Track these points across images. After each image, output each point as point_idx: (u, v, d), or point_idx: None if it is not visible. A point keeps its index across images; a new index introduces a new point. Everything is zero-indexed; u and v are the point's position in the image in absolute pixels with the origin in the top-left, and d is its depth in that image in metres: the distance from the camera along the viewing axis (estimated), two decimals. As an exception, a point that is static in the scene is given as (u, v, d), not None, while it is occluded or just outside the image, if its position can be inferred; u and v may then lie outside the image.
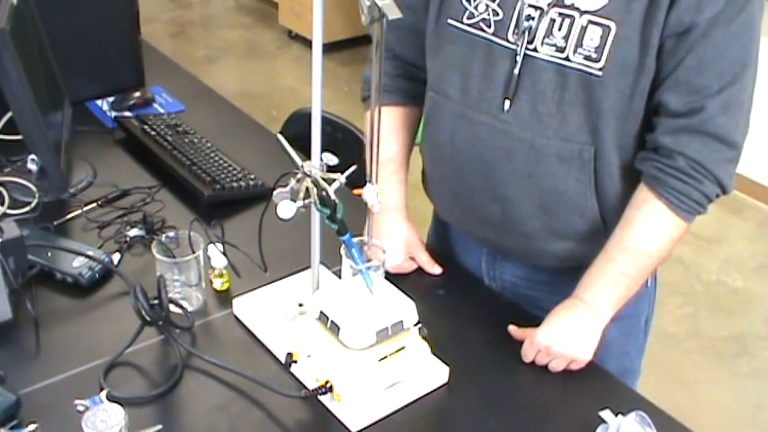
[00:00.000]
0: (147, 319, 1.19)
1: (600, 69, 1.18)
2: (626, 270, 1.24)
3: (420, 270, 1.44)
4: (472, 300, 1.41)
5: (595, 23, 1.17)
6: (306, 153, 1.13)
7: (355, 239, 1.16)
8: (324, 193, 1.09)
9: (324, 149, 1.13)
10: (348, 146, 2.02)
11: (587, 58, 1.19)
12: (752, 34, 1.17)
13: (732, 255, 3.42)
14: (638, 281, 1.26)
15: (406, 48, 1.43)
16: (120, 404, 1.03)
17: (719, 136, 1.19)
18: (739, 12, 1.14)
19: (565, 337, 1.23)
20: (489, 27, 1.27)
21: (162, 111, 1.98)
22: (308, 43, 5.04)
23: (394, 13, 0.98)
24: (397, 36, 1.42)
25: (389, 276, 1.25)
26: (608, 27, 1.17)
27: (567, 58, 1.20)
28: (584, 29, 1.18)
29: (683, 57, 1.16)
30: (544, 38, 1.22)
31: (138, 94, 1.99)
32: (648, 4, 1.15)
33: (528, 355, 1.25)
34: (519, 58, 1.24)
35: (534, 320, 1.34)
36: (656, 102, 1.21)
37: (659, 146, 1.22)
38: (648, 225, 1.24)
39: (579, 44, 1.19)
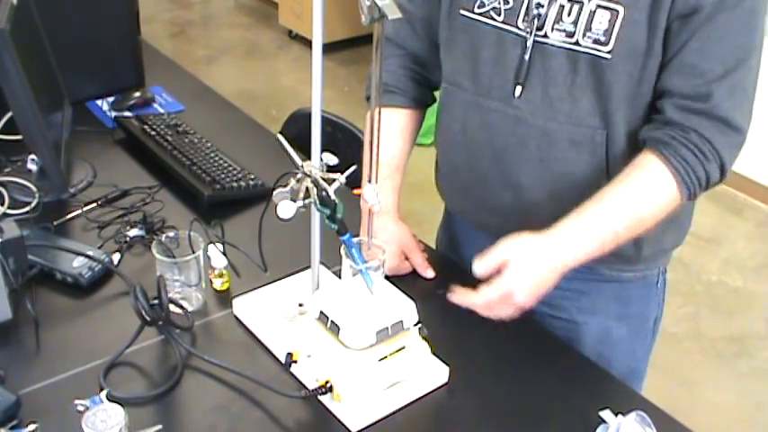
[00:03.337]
0: (147, 319, 1.19)
1: (609, 52, 1.19)
2: (619, 228, 1.19)
3: (419, 270, 1.44)
4: (472, 300, 1.41)
5: (604, 7, 1.19)
6: (306, 153, 1.13)
7: (355, 239, 1.16)
8: (324, 193, 1.09)
9: (324, 149, 1.12)
10: (348, 146, 2.02)
11: (596, 41, 1.20)
12: (756, 21, 1.17)
13: (732, 255, 3.42)
14: (617, 244, 1.21)
15: (419, 42, 1.43)
16: (120, 404, 1.03)
17: (727, 120, 1.18)
18: None
19: (532, 287, 1.17)
20: (499, 15, 1.28)
21: (162, 111, 1.98)
22: (308, 43, 5.04)
23: (394, 14, 0.98)
24: (411, 29, 1.43)
25: (389, 276, 1.25)
26: (616, 11, 1.18)
27: (576, 43, 1.21)
28: (592, 13, 1.19)
29: (687, 39, 1.16)
30: (554, 24, 1.23)
31: (138, 94, 1.99)
32: None
33: (489, 300, 1.16)
34: (529, 44, 1.25)
35: (535, 317, 1.34)
36: (661, 85, 1.21)
37: (670, 121, 1.20)
38: (649, 188, 1.20)
39: (588, 28, 1.20)
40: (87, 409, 1.03)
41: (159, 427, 1.08)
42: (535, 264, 1.17)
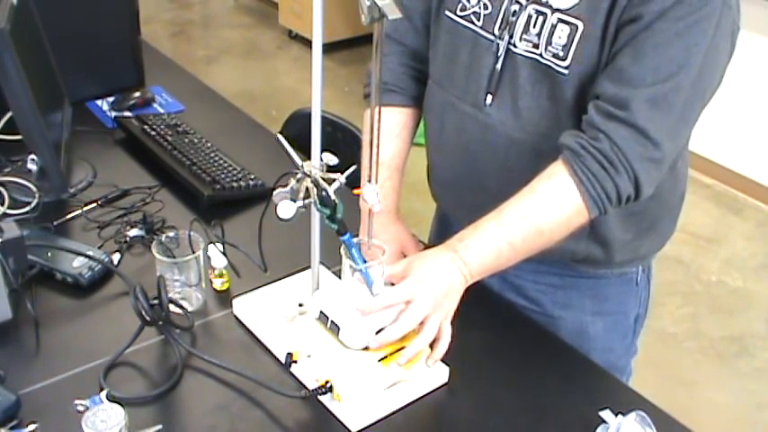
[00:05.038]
0: (147, 319, 1.19)
1: (566, 68, 1.19)
2: (515, 241, 1.17)
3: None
4: (472, 300, 1.41)
5: (564, 22, 1.18)
6: (306, 153, 1.13)
7: (355, 239, 1.16)
8: (324, 193, 1.09)
9: (324, 149, 1.13)
10: (348, 146, 2.02)
11: (555, 56, 1.20)
12: (700, 38, 1.12)
13: (732, 255, 3.42)
14: (519, 257, 1.20)
15: (419, 37, 1.44)
16: (120, 404, 1.03)
17: (644, 130, 1.14)
18: (692, 12, 1.10)
19: (434, 296, 1.15)
20: (479, 20, 1.29)
21: (162, 111, 1.98)
22: (308, 43, 5.04)
23: (394, 14, 0.98)
24: (410, 25, 1.43)
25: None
26: (575, 26, 1.17)
27: (540, 55, 1.22)
28: (553, 27, 1.20)
29: (624, 44, 1.14)
30: (522, 33, 1.23)
31: (138, 94, 1.99)
32: (612, 3, 1.14)
33: (390, 302, 1.14)
34: (501, 53, 1.25)
35: (533, 317, 1.34)
36: (594, 89, 1.18)
37: (589, 123, 1.17)
38: (551, 199, 1.17)
39: (549, 42, 1.20)
40: (87, 409, 1.03)
41: (159, 427, 1.08)
42: (434, 275, 1.16)
